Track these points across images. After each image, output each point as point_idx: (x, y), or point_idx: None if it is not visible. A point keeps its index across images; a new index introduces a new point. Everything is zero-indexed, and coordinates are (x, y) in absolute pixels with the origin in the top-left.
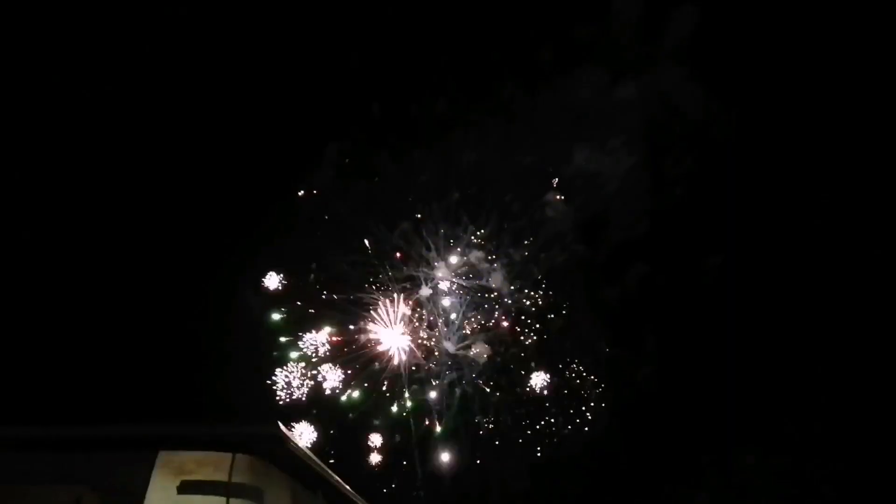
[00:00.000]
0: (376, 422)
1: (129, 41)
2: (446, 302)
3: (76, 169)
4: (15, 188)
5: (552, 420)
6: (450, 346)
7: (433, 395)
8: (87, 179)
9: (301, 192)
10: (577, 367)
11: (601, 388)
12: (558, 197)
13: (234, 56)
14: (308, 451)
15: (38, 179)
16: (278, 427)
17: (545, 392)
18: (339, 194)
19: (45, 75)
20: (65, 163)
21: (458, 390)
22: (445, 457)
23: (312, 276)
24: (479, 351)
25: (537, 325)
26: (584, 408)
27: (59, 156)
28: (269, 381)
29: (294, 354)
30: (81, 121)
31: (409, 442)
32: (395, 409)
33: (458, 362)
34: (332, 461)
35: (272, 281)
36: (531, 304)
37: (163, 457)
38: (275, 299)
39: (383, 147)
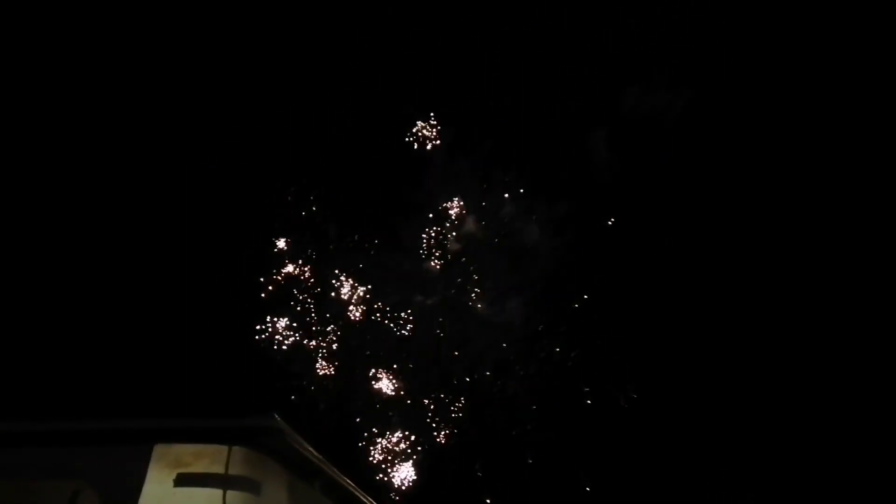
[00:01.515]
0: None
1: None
2: (477, 262)
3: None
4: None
5: (586, 390)
6: (481, 310)
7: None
8: (74, 162)
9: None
10: (616, 334)
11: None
12: (603, 145)
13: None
14: (306, 443)
15: (34, 167)
16: (275, 419)
17: (581, 360)
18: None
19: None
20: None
21: (490, 357)
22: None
23: (332, 230)
24: (512, 315)
25: (575, 289)
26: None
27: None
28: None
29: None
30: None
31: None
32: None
33: (491, 327)
34: (341, 447)
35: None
36: (569, 265)
37: (159, 450)
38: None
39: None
